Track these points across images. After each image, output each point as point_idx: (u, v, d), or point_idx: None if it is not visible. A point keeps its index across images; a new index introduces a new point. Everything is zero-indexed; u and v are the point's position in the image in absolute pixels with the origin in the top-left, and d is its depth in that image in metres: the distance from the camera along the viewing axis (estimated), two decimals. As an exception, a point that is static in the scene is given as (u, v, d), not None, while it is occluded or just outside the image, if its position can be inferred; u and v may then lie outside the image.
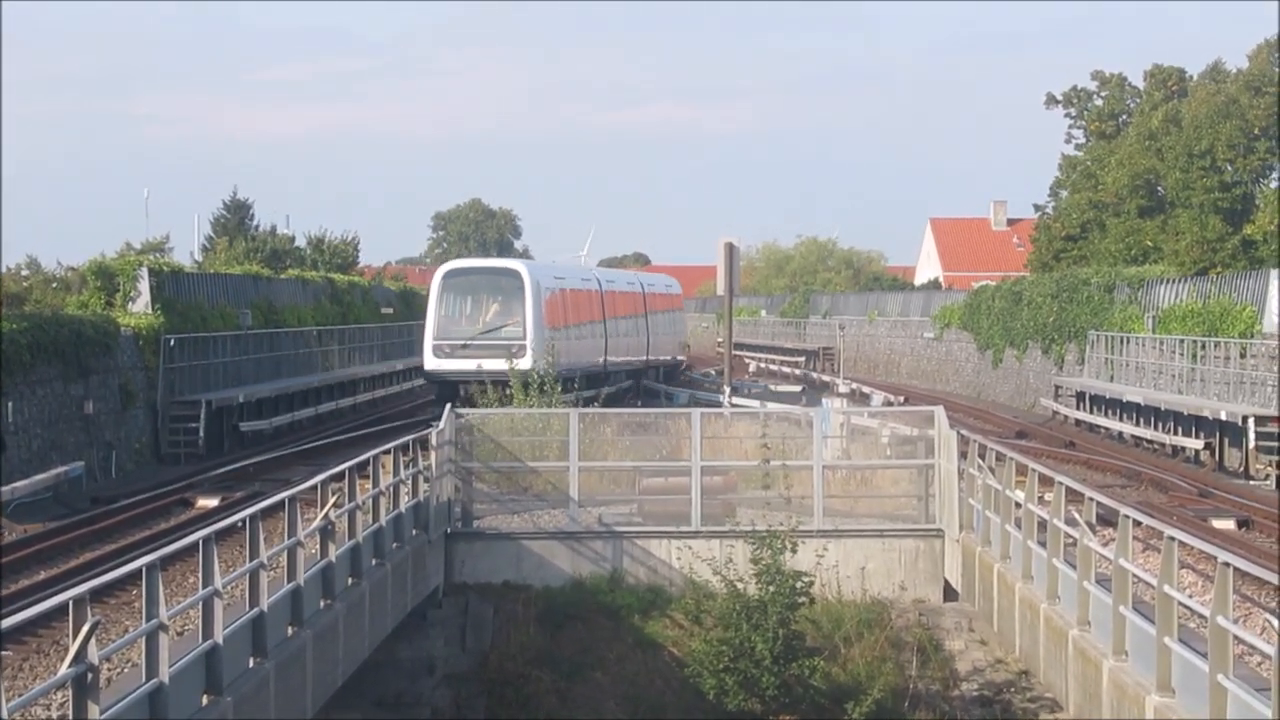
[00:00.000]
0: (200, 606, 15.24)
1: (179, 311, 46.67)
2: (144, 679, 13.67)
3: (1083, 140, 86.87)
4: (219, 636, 15.19)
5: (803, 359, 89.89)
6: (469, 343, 48.82)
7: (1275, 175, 71.51)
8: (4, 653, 17.13)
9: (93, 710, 12.34)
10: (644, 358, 65.35)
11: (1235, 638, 13.80)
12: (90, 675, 12.32)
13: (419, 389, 69.55)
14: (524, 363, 47.12)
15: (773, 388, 67.05)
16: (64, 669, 12.19)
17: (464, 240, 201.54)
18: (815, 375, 79.05)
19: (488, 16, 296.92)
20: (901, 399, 60.99)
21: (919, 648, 26.83)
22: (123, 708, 12.99)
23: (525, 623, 27.19)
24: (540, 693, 26.37)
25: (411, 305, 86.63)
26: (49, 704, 15.31)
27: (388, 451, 24.67)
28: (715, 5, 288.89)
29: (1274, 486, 38.30)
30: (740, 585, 25.57)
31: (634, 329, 64.12)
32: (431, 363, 49.26)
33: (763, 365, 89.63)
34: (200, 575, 15.40)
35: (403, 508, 24.86)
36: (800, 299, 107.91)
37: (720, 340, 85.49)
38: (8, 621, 11.71)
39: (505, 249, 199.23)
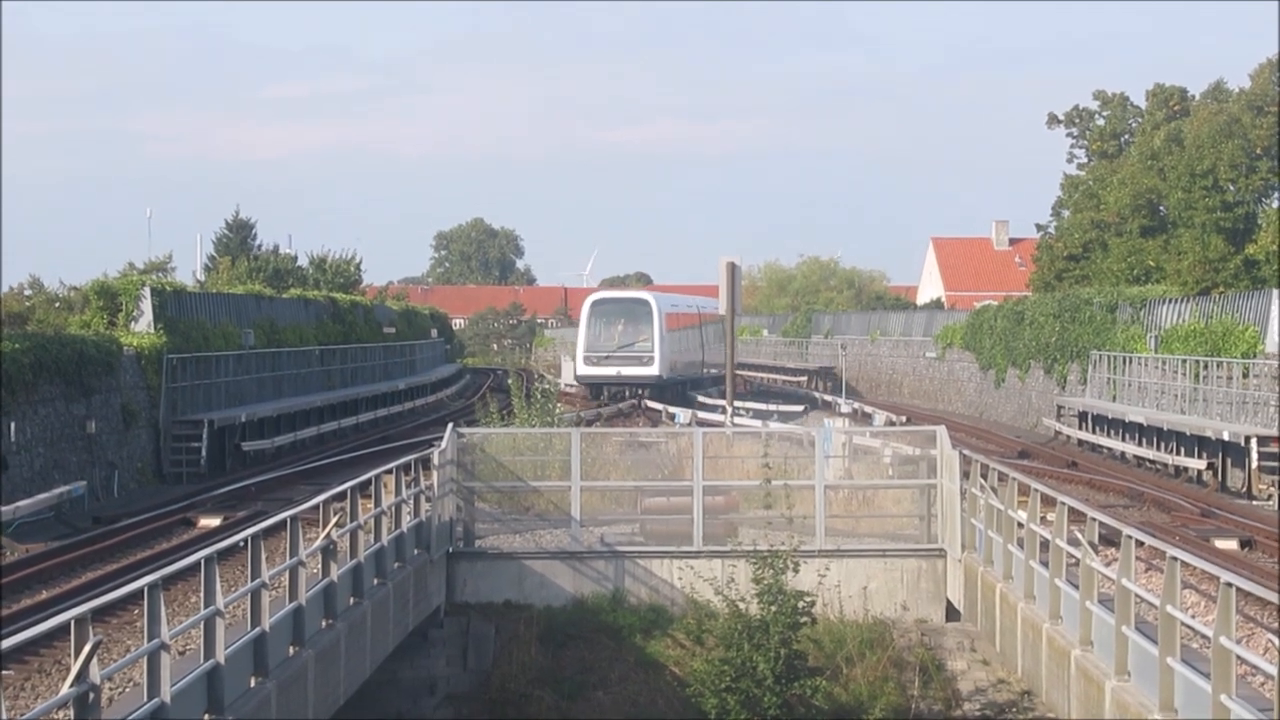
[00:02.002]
0: (202, 626, 15.23)
1: (181, 331, 46.67)
2: (145, 698, 13.66)
3: (1085, 160, 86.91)
4: (220, 656, 15.18)
5: (804, 378, 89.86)
6: (611, 354, 64.43)
7: (1277, 195, 71.54)
8: (5, 672, 17.10)
9: (94, 730, 12.33)
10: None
11: (1238, 658, 13.79)
12: (92, 695, 12.31)
13: (420, 408, 69.79)
14: (653, 370, 64.19)
15: (768, 407, 67.23)
16: (65, 688, 12.17)
17: (466, 260, 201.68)
18: (815, 393, 79.03)
19: (488, 35, 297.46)
20: (903, 419, 60.94)
21: (921, 668, 26.80)
22: (124, 727, 12.99)
23: (527, 642, 27.16)
24: (542, 712, 26.34)
25: (413, 325, 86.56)
26: (50, 724, 15.28)
27: (390, 471, 24.66)
28: (716, 24, 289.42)
29: (1276, 507, 38.22)
30: (742, 605, 25.54)
31: (719, 341, 77.20)
32: (582, 369, 64.91)
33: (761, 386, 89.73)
34: (202, 595, 15.39)
35: (404, 527, 24.84)
36: (802, 318, 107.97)
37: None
38: (9, 641, 11.70)
39: (507, 268, 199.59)
